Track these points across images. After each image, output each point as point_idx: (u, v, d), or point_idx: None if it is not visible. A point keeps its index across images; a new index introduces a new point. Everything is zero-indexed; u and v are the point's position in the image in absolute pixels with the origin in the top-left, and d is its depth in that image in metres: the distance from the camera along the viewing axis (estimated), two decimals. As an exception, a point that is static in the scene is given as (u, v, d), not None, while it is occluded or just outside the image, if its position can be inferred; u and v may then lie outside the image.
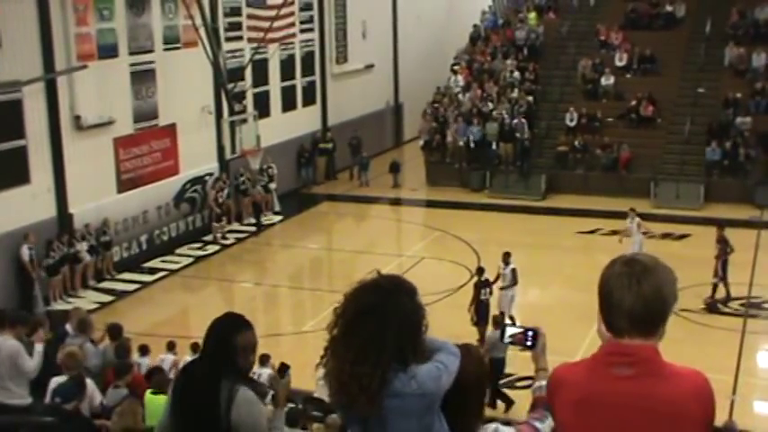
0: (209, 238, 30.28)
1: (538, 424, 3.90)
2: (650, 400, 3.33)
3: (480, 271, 21.96)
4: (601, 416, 3.41)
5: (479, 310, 20.89)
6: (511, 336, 4.37)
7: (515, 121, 36.00)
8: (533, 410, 4.09)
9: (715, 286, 23.87)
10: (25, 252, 23.65)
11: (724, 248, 23.92)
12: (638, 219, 25.90)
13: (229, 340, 5.04)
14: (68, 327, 14.02)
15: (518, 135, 35.73)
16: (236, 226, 31.80)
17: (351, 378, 3.58)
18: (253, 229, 31.91)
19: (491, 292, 21.36)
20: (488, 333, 18.36)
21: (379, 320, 3.62)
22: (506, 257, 22.08)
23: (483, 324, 20.73)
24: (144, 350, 16.49)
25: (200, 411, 4.96)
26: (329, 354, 3.74)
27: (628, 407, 3.35)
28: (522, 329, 4.35)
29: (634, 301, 3.34)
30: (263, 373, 15.99)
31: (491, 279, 21.65)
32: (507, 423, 4.20)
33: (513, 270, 21.89)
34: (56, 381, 11.10)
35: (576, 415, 3.47)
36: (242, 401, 4.96)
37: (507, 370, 18.97)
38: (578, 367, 3.57)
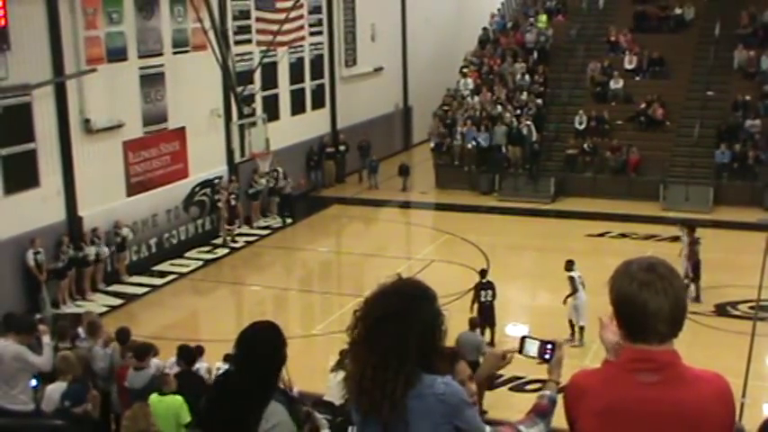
0: (218, 241, 30.32)
1: (522, 428, 3.88)
2: (677, 405, 3.32)
3: (483, 273, 21.97)
4: (627, 423, 3.37)
5: (482, 312, 20.88)
6: (530, 350, 4.32)
7: (525, 123, 36.00)
8: (526, 415, 4.07)
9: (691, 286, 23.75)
10: (30, 257, 23.71)
11: (694, 249, 23.78)
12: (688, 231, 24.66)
13: (281, 351, 4.93)
14: (80, 330, 14.04)
15: (526, 137, 35.78)
16: (245, 229, 31.87)
17: (373, 383, 3.57)
18: (264, 232, 31.98)
19: (494, 295, 21.31)
20: (460, 333, 18.05)
21: (401, 326, 3.60)
22: (568, 265, 21.84)
23: (488, 325, 20.81)
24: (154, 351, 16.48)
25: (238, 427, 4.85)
26: (350, 357, 3.72)
27: (655, 413, 3.33)
28: (540, 342, 4.30)
29: (673, 306, 3.33)
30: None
31: (493, 282, 21.73)
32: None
33: (571, 278, 21.51)
34: (52, 387, 11.12)
35: (601, 423, 3.42)
36: (271, 415, 4.83)
37: (517, 373, 18.95)
38: (600, 375, 3.52)
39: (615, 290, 3.39)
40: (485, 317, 20.77)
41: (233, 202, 30.70)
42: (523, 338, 4.35)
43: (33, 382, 11.37)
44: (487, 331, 20.97)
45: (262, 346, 4.92)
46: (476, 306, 21.11)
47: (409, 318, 3.62)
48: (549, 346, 4.25)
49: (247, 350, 4.92)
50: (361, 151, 39.08)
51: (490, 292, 21.31)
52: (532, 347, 4.30)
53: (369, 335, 3.64)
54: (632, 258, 3.48)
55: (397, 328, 3.59)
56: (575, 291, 21.31)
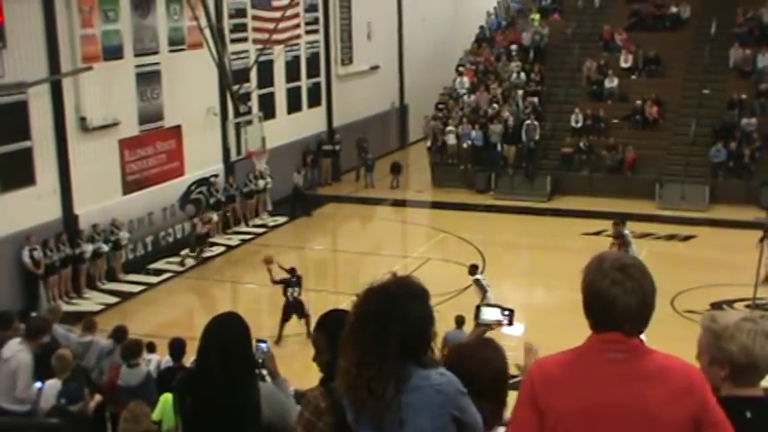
0: (215, 239, 30.25)
1: None
2: (661, 372, 3.42)
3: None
4: (598, 398, 3.42)
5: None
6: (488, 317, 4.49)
7: (528, 122, 35.97)
8: None
9: None
10: (26, 254, 23.70)
11: (621, 244, 23.85)
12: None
13: (249, 339, 5.04)
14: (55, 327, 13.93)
15: (525, 138, 35.73)
16: (242, 227, 31.87)
17: (357, 380, 3.58)
18: (259, 230, 31.97)
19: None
20: (447, 331, 18.02)
21: (381, 325, 3.59)
22: (472, 270, 21.95)
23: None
24: (151, 347, 16.47)
25: (233, 412, 4.92)
26: (341, 354, 3.73)
27: (624, 387, 3.40)
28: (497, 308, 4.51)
29: (640, 306, 3.44)
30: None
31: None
32: None
33: (477, 281, 21.65)
34: (48, 385, 11.07)
35: (573, 401, 3.45)
36: (267, 394, 5.08)
37: (513, 372, 18.94)
38: (566, 356, 3.57)
39: (587, 282, 3.51)
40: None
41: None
42: (477, 308, 4.54)
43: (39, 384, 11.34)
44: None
45: (233, 334, 5.06)
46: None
47: (391, 317, 3.60)
48: (507, 312, 4.45)
49: (219, 338, 5.02)
50: (358, 149, 39.02)
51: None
52: (491, 314, 4.48)
53: (352, 333, 3.65)
54: (605, 253, 3.60)
55: (378, 327, 3.58)
56: (484, 293, 21.42)
